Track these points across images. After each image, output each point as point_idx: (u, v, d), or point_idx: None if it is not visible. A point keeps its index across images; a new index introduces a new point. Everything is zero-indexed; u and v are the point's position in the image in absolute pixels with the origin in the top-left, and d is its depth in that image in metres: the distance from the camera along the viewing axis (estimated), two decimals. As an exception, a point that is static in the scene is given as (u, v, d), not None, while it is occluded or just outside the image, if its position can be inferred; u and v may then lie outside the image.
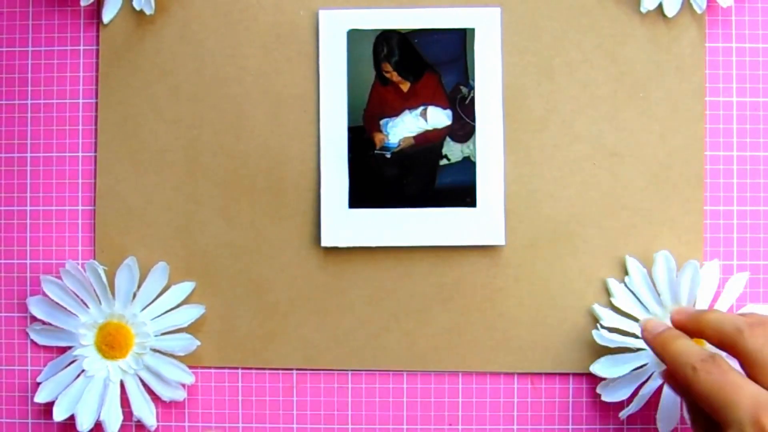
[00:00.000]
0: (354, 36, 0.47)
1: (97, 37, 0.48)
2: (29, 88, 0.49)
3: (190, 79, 0.48)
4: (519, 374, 0.47)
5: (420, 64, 0.47)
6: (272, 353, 0.48)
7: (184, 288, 0.48)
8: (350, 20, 0.47)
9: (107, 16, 0.48)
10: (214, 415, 0.48)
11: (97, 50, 0.48)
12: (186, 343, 0.47)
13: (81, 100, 0.49)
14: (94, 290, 0.47)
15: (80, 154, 0.49)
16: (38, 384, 0.48)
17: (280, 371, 0.48)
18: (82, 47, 0.49)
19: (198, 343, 0.47)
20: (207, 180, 0.48)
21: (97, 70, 0.48)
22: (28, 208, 0.49)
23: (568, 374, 0.47)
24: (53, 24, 0.49)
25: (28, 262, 0.49)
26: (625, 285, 0.47)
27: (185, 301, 0.48)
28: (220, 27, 0.48)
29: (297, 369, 0.48)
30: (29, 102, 0.49)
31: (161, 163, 0.48)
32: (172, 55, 0.48)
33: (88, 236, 0.48)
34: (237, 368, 0.48)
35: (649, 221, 0.47)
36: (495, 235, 0.47)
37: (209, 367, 0.48)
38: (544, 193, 0.47)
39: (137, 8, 0.47)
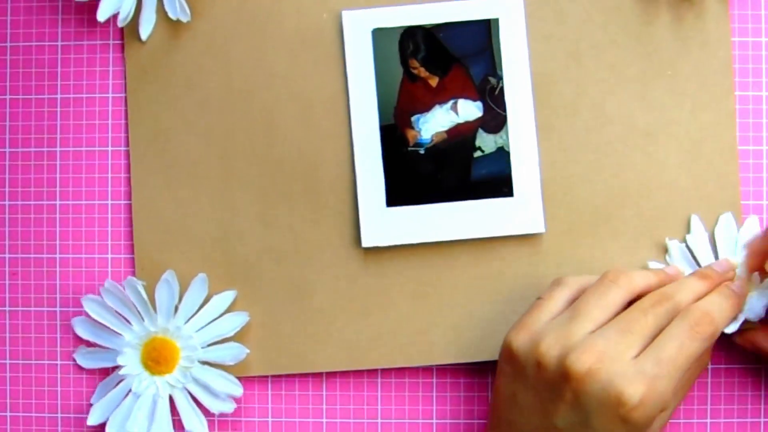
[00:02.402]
0: (379, 35, 0.47)
1: (122, 32, 0.48)
2: (58, 83, 0.49)
3: (218, 89, 0.48)
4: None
5: (447, 58, 0.47)
6: (318, 356, 0.48)
7: (226, 297, 0.48)
8: (374, 19, 0.47)
9: (144, 32, 0.48)
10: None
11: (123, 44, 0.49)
12: (235, 352, 0.47)
13: (110, 95, 0.49)
14: (135, 307, 0.47)
15: (110, 148, 0.49)
16: (91, 405, 0.48)
17: (310, 376, 0.48)
18: (111, 41, 0.49)
19: (247, 351, 0.47)
20: (242, 188, 0.48)
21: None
22: (58, 202, 0.49)
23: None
24: (82, 18, 0.49)
25: (57, 256, 0.49)
26: (686, 244, 0.47)
27: (228, 310, 0.48)
28: (244, 35, 0.48)
29: (340, 372, 0.48)
30: (59, 96, 0.49)
31: (195, 176, 0.48)
32: (199, 66, 0.48)
33: (118, 231, 0.48)
34: (281, 376, 0.48)
35: (686, 198, 0.47)
36: (534, 223, 0.47)
37: (253, 377, 0.48)
38: (579, 177, 0.47)
39: (173, 18, 0.47)
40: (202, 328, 0.47)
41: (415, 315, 0.47)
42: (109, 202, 0.49)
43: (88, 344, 0.48)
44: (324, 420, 0.48)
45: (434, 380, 0.48)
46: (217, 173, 0.48)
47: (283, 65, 0.48)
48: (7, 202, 0.49)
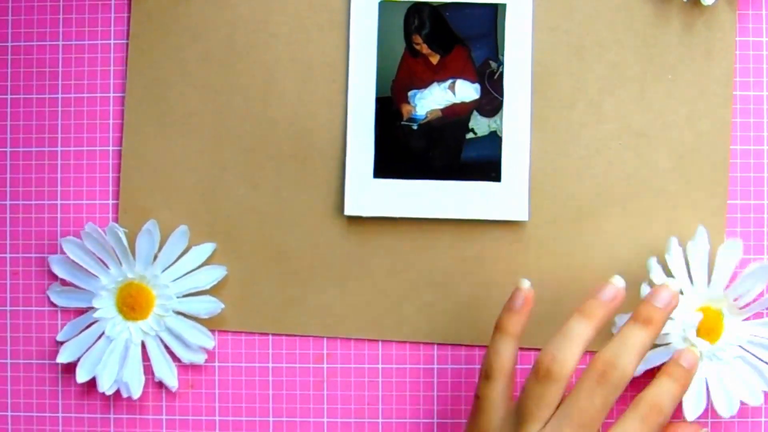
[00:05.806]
0: (385, 7, 0.47)
1: (128, 29, 0.48)
2: (60, 82, 0.49)
3: (221, 44, 0.48)
4: (538, 350, 0.48)
5: (450, 38, 0.47)
6: (293, 320, 0.48)
7: (205, 249, 0.48)
8: (382, -9, 0.47)
9: None
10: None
11: (127, 44, 0.48)
12: (211, 306, 0.47)
13: (111, 94, 0.49)
14: (114, 252, 0.47)
15: (110, 148, 0.49)
16: (59, 344, 0.48)
17: (310, 338, 0.48)
18: (112, 41, 0.49)
19: (222, 306, 0.47)
20: (233, 145, 0.48)
21: (127, 65, 0.48)
22: (59, 202, 0.49)
23: (587, 351, 0.47)
24: (84, 18, 0.49)
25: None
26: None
27: (206, 263, 0.48)
28: (252, -7, 0.48)
29: (326, 336, 0.48)
30: (60, 96, 0.49)
31: (188, 127, 0.48)
32: (204, 20, 0.48)
33: None
34: (254, 333, 0.48)
35: (672, 204, 0.47)
36: (518, 211, 0.47)
37: (226, 331, 0.48)
38: (569, 171, 0.47)
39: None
40: (179, 278, 0.48)
41: (390, 289, 0.48)
42: (110, 201, 0.49)
43: (63, 282, 0.49)
44: (325, 419, 0.49)
45: (435, 380, 0.48)
46: (209, 127, 0.48)
47: (287, 26, 0.48)
48: (8, 202, 0.49)
